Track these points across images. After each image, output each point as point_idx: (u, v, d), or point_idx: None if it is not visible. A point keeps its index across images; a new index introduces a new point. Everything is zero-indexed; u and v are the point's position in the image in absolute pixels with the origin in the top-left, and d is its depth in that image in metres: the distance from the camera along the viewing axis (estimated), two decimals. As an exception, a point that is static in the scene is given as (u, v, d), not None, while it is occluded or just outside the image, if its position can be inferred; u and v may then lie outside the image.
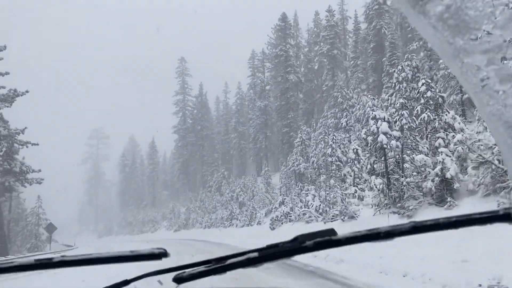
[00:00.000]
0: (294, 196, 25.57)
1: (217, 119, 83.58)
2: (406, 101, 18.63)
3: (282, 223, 24.65)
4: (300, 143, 30.90)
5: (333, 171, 22.82)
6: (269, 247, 0.79)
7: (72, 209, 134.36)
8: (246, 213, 35.67)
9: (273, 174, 46.24)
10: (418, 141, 16.17)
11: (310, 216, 21.15)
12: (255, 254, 0.78)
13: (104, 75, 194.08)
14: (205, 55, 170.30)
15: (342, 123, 26.00)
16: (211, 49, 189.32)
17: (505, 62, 0.87)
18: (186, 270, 0.85)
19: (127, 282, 0.95)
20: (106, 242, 62.28)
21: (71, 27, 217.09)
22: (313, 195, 22.89)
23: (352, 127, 24.59)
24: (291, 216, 24.14)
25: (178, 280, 0.84)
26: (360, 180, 20.19)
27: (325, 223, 19.48)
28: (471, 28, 0.88)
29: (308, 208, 21.61)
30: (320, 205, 20.74)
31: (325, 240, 0.77)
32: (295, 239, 0.77)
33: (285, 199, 25.07)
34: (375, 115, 16.46)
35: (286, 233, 22.19)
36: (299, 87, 54.28)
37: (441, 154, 13.99)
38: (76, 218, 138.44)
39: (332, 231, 0.79)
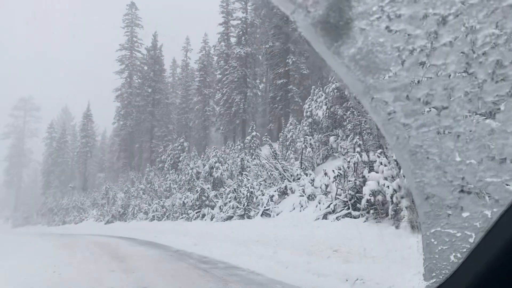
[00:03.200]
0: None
1: (173, 87, 66.34)
2: None
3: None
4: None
5: None
6: None
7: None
8: (233, 195, 19.43)
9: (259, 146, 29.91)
10: None
11: None
12: None
13: (38, 38, 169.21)
14: (161, 11, 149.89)
15: None
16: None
17: (409, 99, 1.02)
18: None
19: None
20: None
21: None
22: None
23: None
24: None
25: None
26: None
27: None
28: (380, 68, 1.01)
29: None
30: None
31: None
32: None
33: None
34: None
35: None
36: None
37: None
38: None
39: None
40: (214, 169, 24.92)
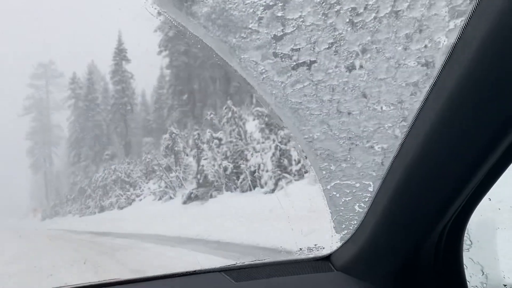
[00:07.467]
0: None
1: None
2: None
3: None
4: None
5: None
6: None
7: (26, 178, 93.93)
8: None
9: None
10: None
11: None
12: None
13: None
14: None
15: None
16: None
17: (277, 56, 0.95)
18: None
19: None
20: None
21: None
22: None
23: None
24: None
25: None
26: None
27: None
28: (239, 27, 0.98)
29: None
30: None
31: None
32: None
33: None
34: None
35: None
36: None
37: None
38: (30, 191, 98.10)
39: None
40: None
